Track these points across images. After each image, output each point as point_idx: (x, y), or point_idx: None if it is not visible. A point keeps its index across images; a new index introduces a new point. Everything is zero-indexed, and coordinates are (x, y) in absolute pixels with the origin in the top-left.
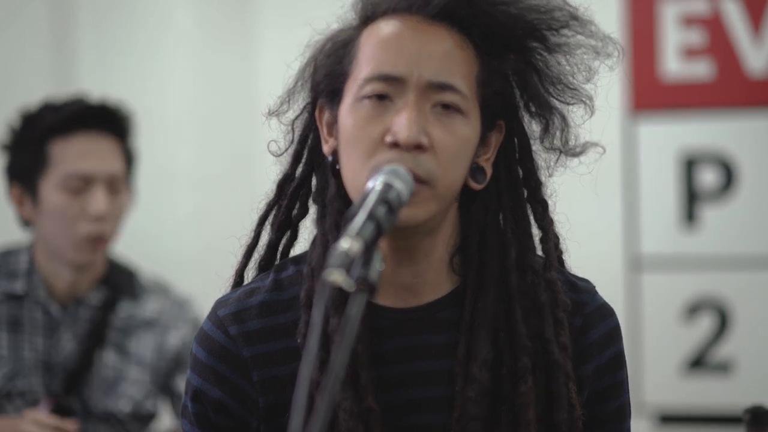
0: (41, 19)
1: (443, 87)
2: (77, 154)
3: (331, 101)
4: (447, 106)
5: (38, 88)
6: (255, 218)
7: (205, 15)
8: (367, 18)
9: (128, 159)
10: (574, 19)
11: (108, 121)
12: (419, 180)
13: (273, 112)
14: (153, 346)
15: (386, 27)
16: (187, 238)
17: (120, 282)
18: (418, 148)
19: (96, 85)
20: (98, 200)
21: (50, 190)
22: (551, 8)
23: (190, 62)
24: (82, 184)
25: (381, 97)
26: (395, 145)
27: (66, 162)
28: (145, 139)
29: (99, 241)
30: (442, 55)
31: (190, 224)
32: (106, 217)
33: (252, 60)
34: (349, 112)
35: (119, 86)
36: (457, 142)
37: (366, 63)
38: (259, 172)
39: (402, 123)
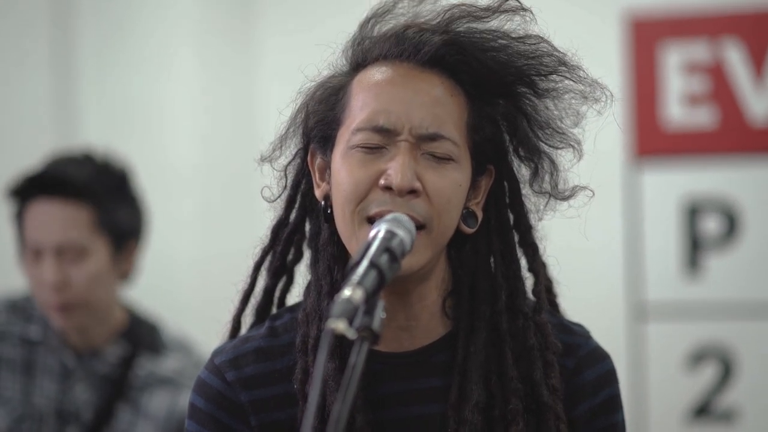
0: (43, 67)
1: (434, 137)
2: (30, 224)
3: (324, 147)
4: (438, 156)
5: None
6: (250, 264)
7: (207, 47)
8: (359, 64)
9: (98, 223)
10: (562, 64)
11: (60, 188)
12: (416, 224)
13: (266, 158)
14: (166, 405)
15: (377, 74)
16: (188, 283)
17: (141, 336)
18: (411, 193)
19: (99, 129)
20: (45, 270)
21: (23, 259)
22: (540, 54)
23: (193, 110)
24: (34, 254)
25: (373, 149)
26: (388, 189)
27: (25, 231)
28: (148, 183)
29: (64, 308)
30: (432, 104)
31: (192, 269)
32: (66, 285)
33: (255, 106)
34: (342, 159)
35: (122, 130)
36: (450, 188)
37: (358, 112)
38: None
39: (396, 168)
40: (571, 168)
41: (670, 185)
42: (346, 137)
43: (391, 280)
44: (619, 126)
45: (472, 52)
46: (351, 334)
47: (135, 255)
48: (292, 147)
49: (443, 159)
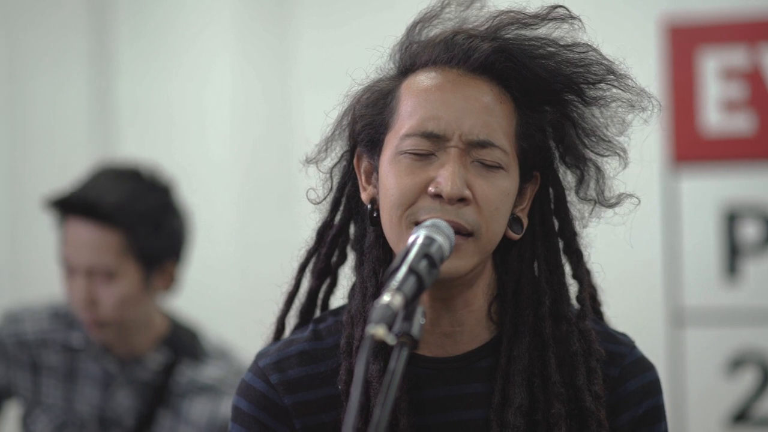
0: (81, 72)
1: (484, 145)
2: (65, 241)
3: (371, 150)
4: (488, 164)
5: (79, 145)
6: (295, 266)
7: (244, 52)
8: (407, 69)
9: (128, 249)
10: (611, 73)
11: (91, 212)
12: (463, 232)
13: (310, 160)
14: (207, 412)
15: (426, 80)
16: (227, 287)
17: (182, 344)
18: (461, 201)
19: (134, 140)
20: (74, 288)
21: (62, 270)
22: (589, 62)
23: (230, 115)
24: (69, 270)
25: (422, 155)
26: (438, 196)
27: (62, 245)
28: (186, 188)
29: (95, 325)
30: (483, 111)
31: (231, 273)
32: (94, 304)
33: (291, 110)
34: (390, 164)
35: (158, 142)
36: (499, 195)
37: (408, 117)
38: (298, 218)
39: (446, 176)
40: (615, 175)
41: (709, 191)
42: (394, 142)
43: (437, 285)
44: (659, 133)
45: (522, 60)
46: (390, 339)
47: (174, 271)
48: (338, 149)
49: (492, 167)
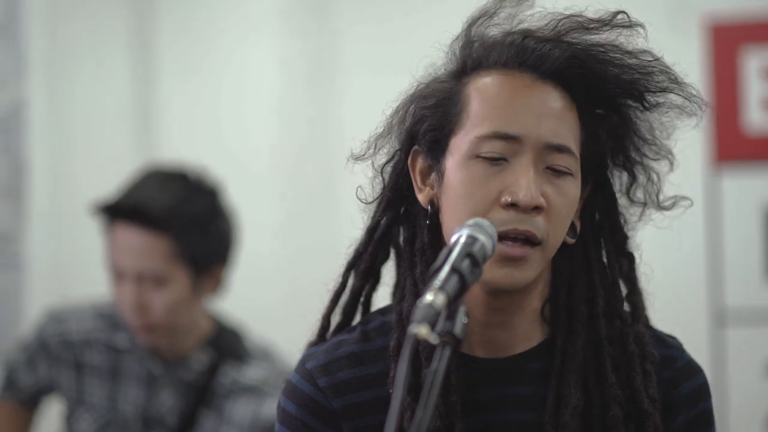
0: (124, 74)
1: (560, 149)
2: (113, 246)
3: (431, 151)
4: (559, 171)
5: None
6: (341, 264)
7: (286, 66)
8: (470, 69)
9: (177, 254)
10: (674, 82)
11: (140, 217)
12: (534, 241)
13: (358, 157)
14: (250, 413)
15: (498, 83)
16: (270, 284)
17: (226, 345)
18: (536, 209)
19: (179, 140)
20: (125, 293)
21: (110, 274)
22: (651, 70)
23: (273, 114)
24: (118, 275)
25: (496, 160)
26: (512, 205)
27: (110, 250)
28: (228, 189)
29: (145, 330)
30: (557, 116)
31: (271, 271)
32: (144, 309)
33: (334, 109)
34: (459, 168)
35: (201, 140)
36: (567, 203)
37: (481, 120)
38: (340, 217)
39: (521, 184)
40: (668, 172)
41: (751, 191)
42: (465, 145)
43: (494, 295)
44: (701, 133)
45: (591, 67)
46: (433, 339)
47: (221, 275)
48: (388, 147)
49: (562, 173)
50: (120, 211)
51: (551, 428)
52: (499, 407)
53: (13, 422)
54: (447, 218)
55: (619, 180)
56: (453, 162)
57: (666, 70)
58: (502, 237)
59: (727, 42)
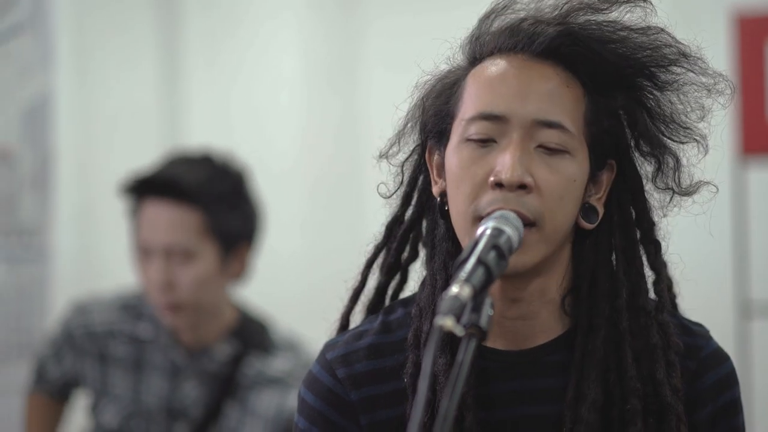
0: (150, 63)
1: (550, 125)
2: (142, 223)
3: (439, 142)
4: (552, 148)
5: (147, 137)
6: (362, 261)
7: (312, 60)
8: (475, 59)
9: (207, 228)
10: (683, 56)
11: (171, 191)
12: (525, 221)
13: (383, 155)
14: (274, 405)
15: (491, 66)
16: (292, 281)
17: (251, 335)
18: (522, 188)
19: (205, 131)
20: (153, 270)
21: (135, 256)
22: (659, 45)
23: (299, 109)
24: (145, 253)
25: (485, 141)
26: (499, 185)
27: (137, 229)
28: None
29: (172, 308)
30: (547, 94)
31: (296, 267)
32: (172, 286)
33: (359, 104)
34: (453, 152)
35: (226, 133)
36: (563, 182)
37: (471, 103)
38: (364, 213)
39: (505, 163)
40: (694, 163)
41: None
42: (459, 130)
43: (507, 279)
44: (727, 124)
45: (588, 44)
46: (459, 331)
47: (247, 257)
48: (410, 143)
49: (557, 151)
50: (151, 186)
51: (570, 422)
52: (516, 401)
53: (43, 415)
54: (450, 206)
55: (647, 165)
56: (450, 148)
57: (673, 44)
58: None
59: (754, 34)
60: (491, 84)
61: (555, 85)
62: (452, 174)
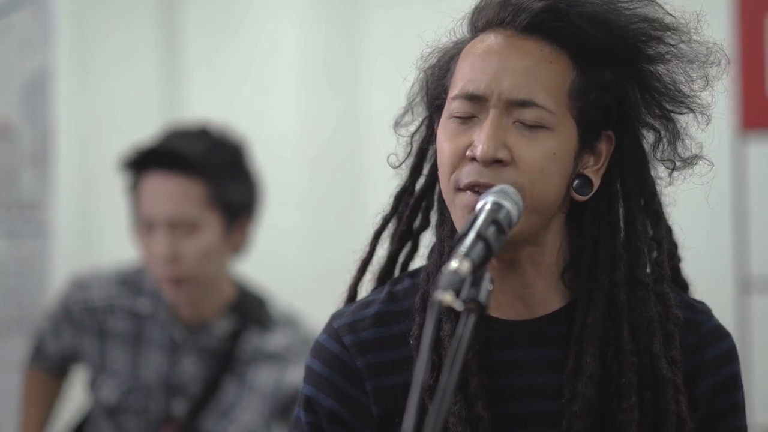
0: (150, 41)
1: (524, 104)
2: (143, 197)
3: (438, 115)
4: (529, 124)
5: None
6: (370, 233)
7: (312, 44)
8: (475, 31)
9: (211, 198)
10: (668, 29)
11: (174, 162)
12: None
13: (398, 124)
14: (273, 381)
15: (478, 43)
16: (296, 255)
17: (249, 311)
18: (498, 162)
19: (204, 108)
20: (157, 243)
21: (136, 231)
22: (644, 19)
23: (298, 83)
24: (147, 227)
25: (467, 118)
26: (475, 159)
27: (138, 203)
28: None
29: (175, 281)
30: (523, 71)
31: (300, 240)
32: (176, 258)
33: (359, 84)
34: (441, 128)
35: (227, 107)
36: (542, 155)
37: (455, 81)
38: (367, 187)
39: (480, 138)
40: (693, 137)
41: None
42: (446, 107)
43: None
44: (726, 99)
45: (572, 18)
46: (458, 305)
47: (248, 229)
48: (420, 114)
49: (535, 127)
50: (153, 158)
51: (568, 395)
52: (516, 370)
53: (42, 391)
54: (440, 178)
55: (648, 136)
56: (441, 122)
57: (658, 18)
58: (466, 188)
59: (754, 9)
60: (473, 63)
61: (533, 61)
62: (439, 147)
